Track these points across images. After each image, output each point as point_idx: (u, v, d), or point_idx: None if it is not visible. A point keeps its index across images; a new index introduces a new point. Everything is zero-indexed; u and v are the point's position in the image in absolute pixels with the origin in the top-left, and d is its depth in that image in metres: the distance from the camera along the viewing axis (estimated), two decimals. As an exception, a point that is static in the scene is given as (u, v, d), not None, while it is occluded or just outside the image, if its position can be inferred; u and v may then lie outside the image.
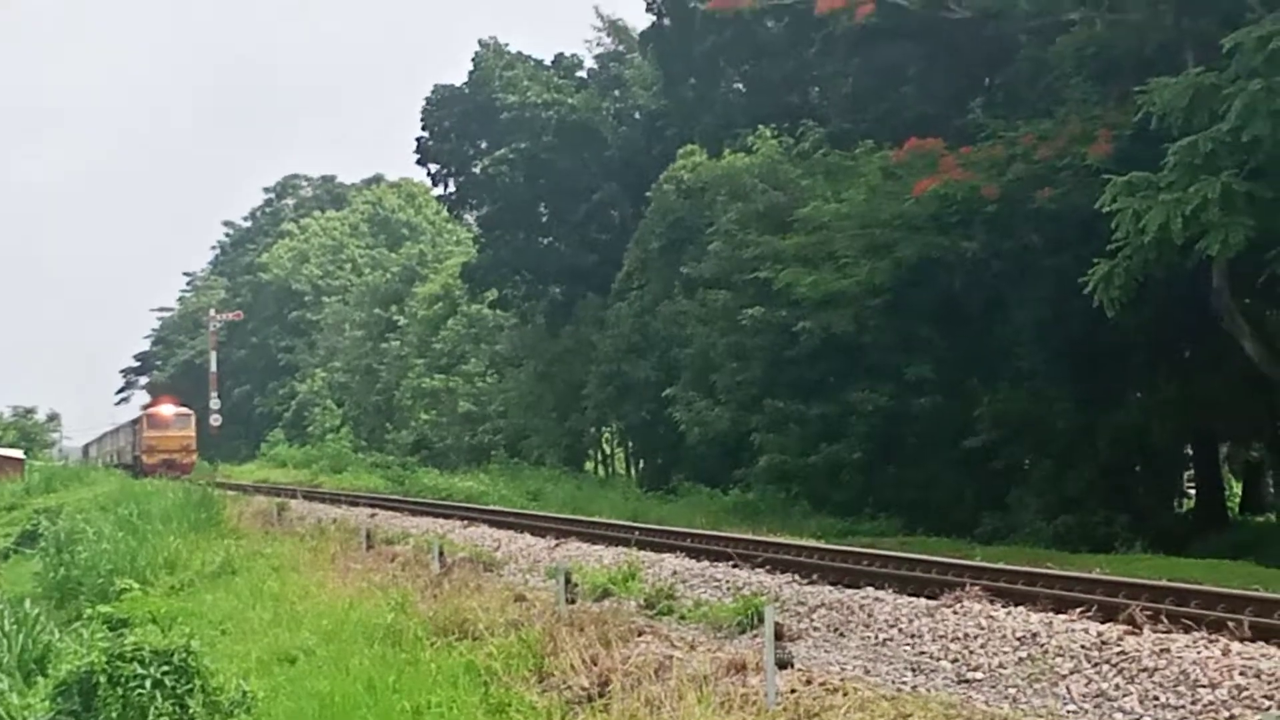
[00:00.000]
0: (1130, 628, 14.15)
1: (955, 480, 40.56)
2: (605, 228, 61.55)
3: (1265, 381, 36.37)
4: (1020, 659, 13.80)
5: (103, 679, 15.24)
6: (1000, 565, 20.63)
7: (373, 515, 38.37)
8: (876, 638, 15.54)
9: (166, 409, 79.44)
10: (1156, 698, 11.90)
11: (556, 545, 27.46)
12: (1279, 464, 46.52)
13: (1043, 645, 14.08)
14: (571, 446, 64.29)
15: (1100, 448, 38.40)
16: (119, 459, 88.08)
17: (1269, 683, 11.41)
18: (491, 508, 39.71)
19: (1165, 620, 14.41)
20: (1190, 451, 44.27)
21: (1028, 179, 36.23)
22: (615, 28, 65.78)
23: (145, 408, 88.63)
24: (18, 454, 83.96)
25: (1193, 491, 45.53)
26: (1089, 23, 36.77)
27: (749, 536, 26.48)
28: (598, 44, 67.47)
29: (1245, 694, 11.30)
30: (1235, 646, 12.89)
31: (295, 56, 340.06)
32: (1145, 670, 12.61)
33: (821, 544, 26.52)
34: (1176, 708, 11.63)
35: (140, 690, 15.00)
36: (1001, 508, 38.24)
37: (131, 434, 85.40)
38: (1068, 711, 12.05)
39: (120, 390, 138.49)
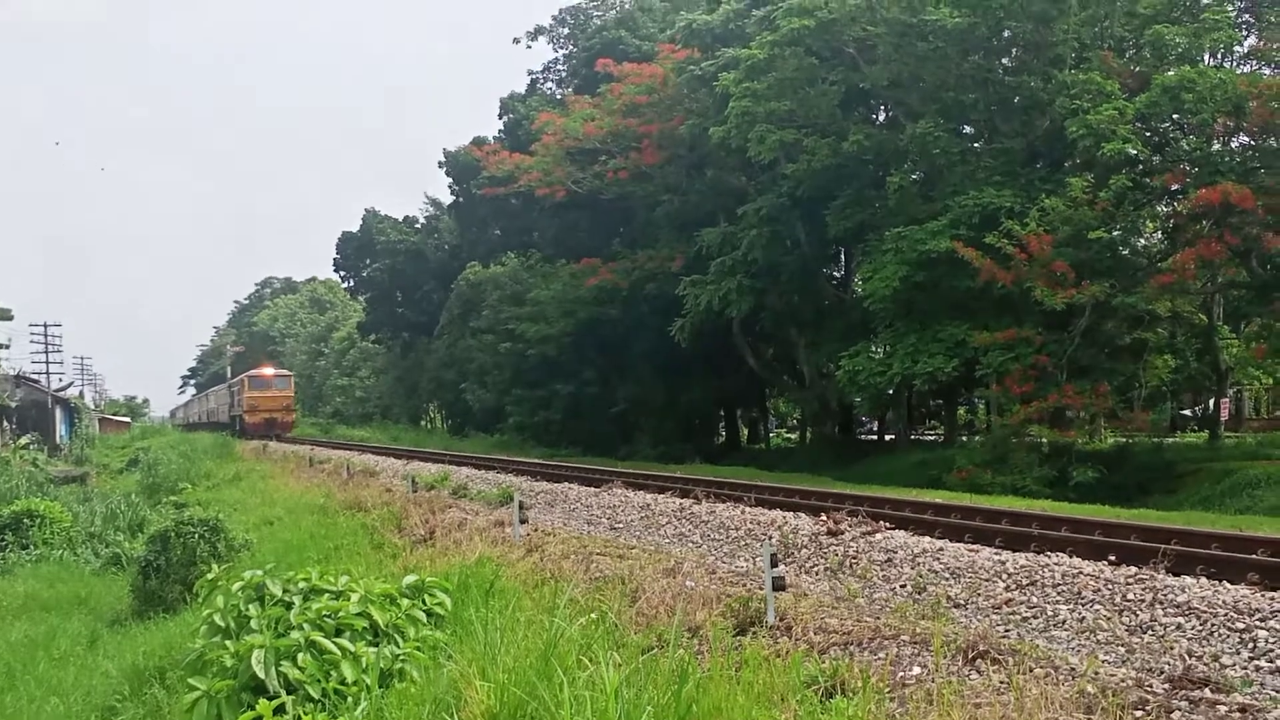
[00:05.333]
0: (695, 500, 17.74)
1: (607, 429, 53.46)
2: (430, 304, 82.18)
3: (757, 378, 52.58)
4: (643, 516, 17.05)
5: (173, 534, 18.70)
6: (632, 471, 25.70)
7: (311, 449, 47.03)
8: (569, 508, 18.97)
9: (268, 370, 73.91)
10: (710, 534, 15.28)
11: (407, 463, 33.15)
12: (765, 420, 62.73)
13: (653, 510, 17.50)
14: (413, 415, 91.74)
15: (678, 412, 53.30)
16: (210, 418, 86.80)
17: (762, 526, 14.81)
18: (373, 445, 53.50)
19: (713, 497, 18.18)
20: (722, 413, 59.45)
21: (642, 278, 49.17)
22: (434, 202, 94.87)
23: (245, 372, 78.46)
24: (127, 419, 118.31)
25: (724, 433, 60.36)
26: (672, 202, 50.31)
27: (504, 458, 33.29)
28: (426, 209, 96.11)
29: (752, 532, 14.70)
30: (748, 510, 16.48)
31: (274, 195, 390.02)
32: (704, 521, 15.86)
33: (539, 461, 33.12)
34: (719, 539, 15.00)
35: (192, 539, 18.57)
36: (630, 441, 51.56)
37: (228, 395, 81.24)
38: (666, 539, 15.23)
39: (180, 388, 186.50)
